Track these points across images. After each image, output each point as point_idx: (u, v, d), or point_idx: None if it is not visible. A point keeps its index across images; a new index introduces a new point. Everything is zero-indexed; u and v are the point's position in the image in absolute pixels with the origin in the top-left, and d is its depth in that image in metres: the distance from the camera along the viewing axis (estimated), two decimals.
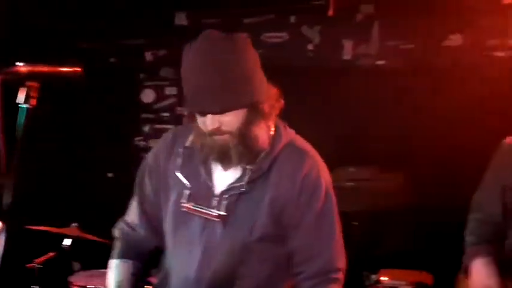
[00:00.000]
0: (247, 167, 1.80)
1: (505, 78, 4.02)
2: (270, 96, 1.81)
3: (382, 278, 3.47)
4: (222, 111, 1.72)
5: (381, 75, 4.28)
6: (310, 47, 4.48)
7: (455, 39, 4.25)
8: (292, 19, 4.52)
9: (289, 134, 1.89)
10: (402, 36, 4.31)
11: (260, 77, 1.79)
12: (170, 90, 4.78)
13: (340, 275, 1.84)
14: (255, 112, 1.76)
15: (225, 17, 4.48)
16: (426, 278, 3.50)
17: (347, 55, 4.43)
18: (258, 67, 1.79)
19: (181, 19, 4.70)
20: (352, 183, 3.70)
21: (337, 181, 3.75)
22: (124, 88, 4.79)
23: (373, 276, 3.48)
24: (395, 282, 3.44)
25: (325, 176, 1.86)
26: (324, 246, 1.83)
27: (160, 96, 4.81)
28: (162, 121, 4.77)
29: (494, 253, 2.29)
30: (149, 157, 1.98)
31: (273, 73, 1.82)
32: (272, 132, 1.84)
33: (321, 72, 4.35)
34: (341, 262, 1.85)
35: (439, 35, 4.25)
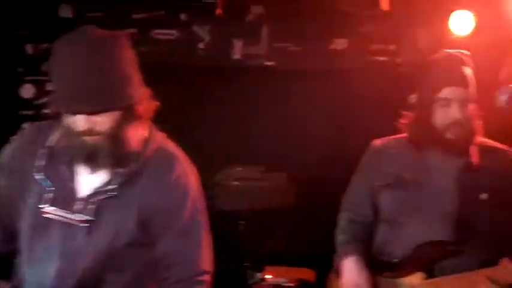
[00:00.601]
0: (117, 170, 1.74)
1: (386, 82, 4.21)
2: (144, 97, 1.77)
3: (266, 276, 3.52)
4: (97, 112, 1.66)
5: (270, 76, 4.34)
6: (201, 45, 4.46)
7: (340, 43, 4.40)
8: (183, 16, 4.47)
9: (161, 138, 1.85)
10: (290, 39, 4.40)
11: (137, 78, 1.75)
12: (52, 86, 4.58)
13: (206, 277, 1.84)
14: (129, 114, 1.72)
15: (112, 11, 4.35)
16: (309, 275, 3.60)
17: (237, 55, 4.46)
18: (136, 68, 1.75)
19: (65, 11, 4.50)
20: (238, 183, 3.72)
21: (224, 180, 3.79)
22: (1, 82, 4.52)
23: (258, 274, 3.51)
24: (279, 280, 3.50)
25: (194, 182, 1.84)
26: (191, 252, 1.82)
27: (41, 92, 4.59)
28: (43, 118, 4.54)
29: (364, 252, 2.35)
30: (4, 154, 1.86)
31: (162, 71, 1.77)
32: (145, 135, 1.79)
33: (211, 71, 4.34)
34: (207, 265, 1.85)
35: (326, 39, 4.38)
